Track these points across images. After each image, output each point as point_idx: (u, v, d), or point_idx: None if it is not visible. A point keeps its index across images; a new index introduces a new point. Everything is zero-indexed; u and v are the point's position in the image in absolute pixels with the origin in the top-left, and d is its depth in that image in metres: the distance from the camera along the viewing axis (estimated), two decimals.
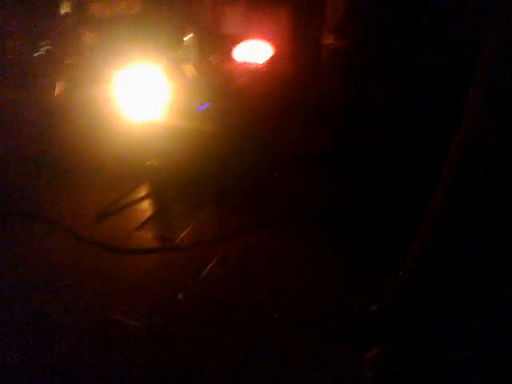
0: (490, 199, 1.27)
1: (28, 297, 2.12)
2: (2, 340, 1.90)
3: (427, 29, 2.77)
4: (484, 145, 1.24)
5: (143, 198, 2.87)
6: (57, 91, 3.68)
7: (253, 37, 3.33)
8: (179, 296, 2.15)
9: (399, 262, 1.63)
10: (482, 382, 1.45)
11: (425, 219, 1.51)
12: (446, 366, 1.49)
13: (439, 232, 1.45)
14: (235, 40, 3.38)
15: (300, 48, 3.20)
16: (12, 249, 2.44)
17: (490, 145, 1.22)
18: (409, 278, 1.62)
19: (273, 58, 3.32)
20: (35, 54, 3.96)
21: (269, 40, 3.30)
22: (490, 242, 1.32)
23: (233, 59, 3.38)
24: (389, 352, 1.69)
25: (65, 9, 3.71)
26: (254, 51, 3.33)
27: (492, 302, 1.39)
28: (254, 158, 3.11)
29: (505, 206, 1.25)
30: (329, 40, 3.07)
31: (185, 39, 3.45)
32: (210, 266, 2.31)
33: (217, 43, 3.46)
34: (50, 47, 3.90)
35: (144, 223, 2.64)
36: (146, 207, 2.82)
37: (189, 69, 3.40)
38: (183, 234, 2.55)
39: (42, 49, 3.93)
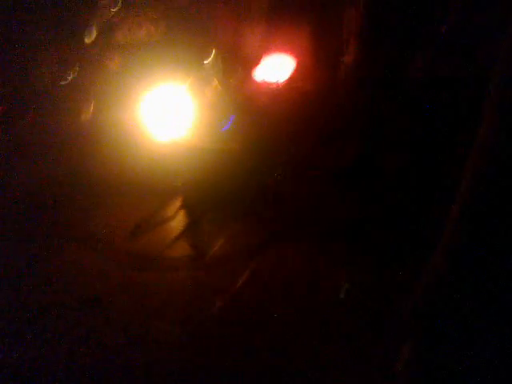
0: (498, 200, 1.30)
1: (64, 312, 2.20)
2: (43, 354, 1.97)
3: (444, 41, 2.81)
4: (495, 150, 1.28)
5: (172, 216, 2.94)
6: (84, 116, 3.80)
7: (273, 55, 3.41)
8: (210, 311, 2.19)
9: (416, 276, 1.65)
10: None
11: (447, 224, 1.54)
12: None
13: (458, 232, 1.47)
14: (256, 59, 3.46)
15: (320, 65, 3.26)
16: (48, 266, 2.54)
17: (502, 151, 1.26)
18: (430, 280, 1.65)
19: (293, 76, 3.39)
20: (62, 82, 4.09)
21: (289, 58, 3.37)
22: (495, 242, 1.34)
23: (254, 78, 3.46)
24: (414, 351, 1.71)
25: (90, 36, 3.85)
26: (275, 70, 3.41)
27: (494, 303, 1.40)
28: (277, 175, 3.16)
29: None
30: (348, 56, 3.13)
31: (207, 60, 3.55)
32: (240, 282, 2.35)
33: (238, 63, 3.55)
34: (76, 74, 4.03)
35: (175, 241, 2.71)
36: (175, 225, 2.89)
37: (212, 89, 3.48)
38: (213, 250, 2.61)
39: (68, 76, 4.06)
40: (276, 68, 3.45)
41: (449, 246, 1.58)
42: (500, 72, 1.28)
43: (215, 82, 3.56)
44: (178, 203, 3.07)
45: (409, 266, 2.05)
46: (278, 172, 3.18)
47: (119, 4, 3.61)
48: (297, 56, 3.39)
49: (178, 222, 2.95)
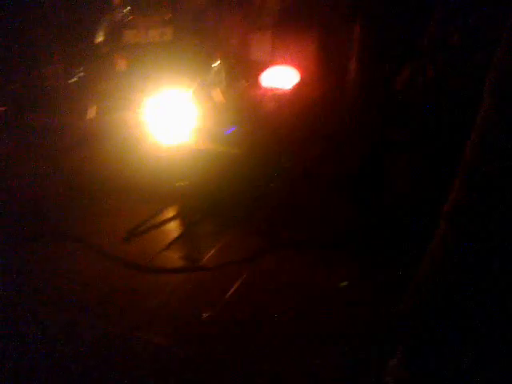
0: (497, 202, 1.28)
1: (58, 313, 2.18)
2: (33, 356, 1.95)
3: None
4: (492, 146, 1.25)
5: (171, 219, 2.94)
6: (89, 116, 3.83)
7: (279, 63, 3.42)
8: (204, 315, 2.17)
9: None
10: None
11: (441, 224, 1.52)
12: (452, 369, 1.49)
13: (454, 233, 1.45)
14: (262, 66, 3.46)
15: (326, 74, 3.26)
16: (43, 267, 2.52)
17: (498, 146, 1.23)
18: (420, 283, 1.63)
19: (299, 84, 3.39)
20: (70, 80, 4.11)
21: (295, 66, 3.37)
22: (496, 242, 1.32)
23: (260, 85, 3.46)
24: (405, 359, 1.69)
25: (99, 37, 3.88)
26: (281, 77, 3.41)
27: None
28: (279, 181, 3.16)
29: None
30: (351, 64, 3.11)
31: (213, 65, 3.56)
32: (235, 286, 2.33)
33: (244, 69, 3.56)
34: (84, 73, 4.06)
35: (172, 243, 2.69)
36: (173, 227, 2.88)
37: (217, 94, 3.49)
38: (210, 254, 2.59)
39: (77, 75, 4.09)
40: (283, 75, 3.45)
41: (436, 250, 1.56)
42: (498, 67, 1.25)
43: (221, 87, 3.56)
44: (177, 206, 3.07)
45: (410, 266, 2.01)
46: (281, 178, 3.18)
47: (129, 5, 3.64)
48: (303, 64, 3.39)
49: (177, 223, 2.94)
